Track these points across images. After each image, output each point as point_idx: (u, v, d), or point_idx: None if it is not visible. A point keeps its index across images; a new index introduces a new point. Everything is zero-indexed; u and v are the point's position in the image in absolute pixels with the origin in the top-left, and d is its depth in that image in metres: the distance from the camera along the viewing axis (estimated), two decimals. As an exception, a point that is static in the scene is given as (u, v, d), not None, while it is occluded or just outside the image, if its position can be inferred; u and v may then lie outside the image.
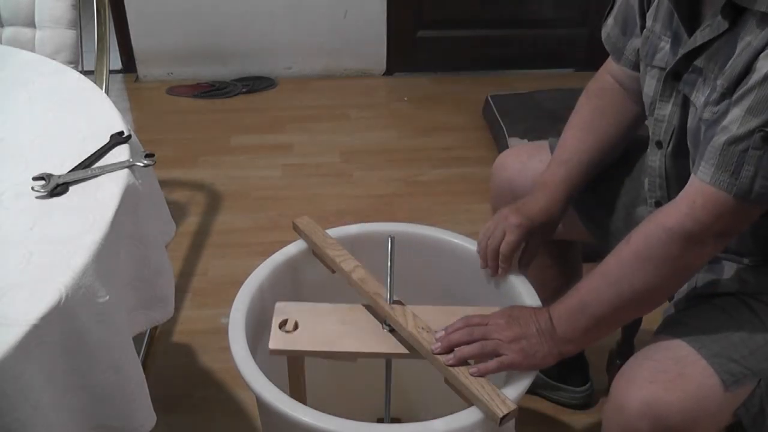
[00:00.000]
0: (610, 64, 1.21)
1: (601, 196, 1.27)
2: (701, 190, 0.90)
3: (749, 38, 0.87)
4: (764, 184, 0.86)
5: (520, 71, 3.08)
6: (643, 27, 1.10)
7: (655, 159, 1.09)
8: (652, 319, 1.15)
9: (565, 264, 1.42)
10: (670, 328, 1.02)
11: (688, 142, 1.02)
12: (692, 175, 0.92)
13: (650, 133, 1.09)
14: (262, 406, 1.01)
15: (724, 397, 0.94)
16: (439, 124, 2.66)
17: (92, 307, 0.82)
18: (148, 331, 1.74)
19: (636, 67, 1.14)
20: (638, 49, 1.11)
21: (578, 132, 1.20)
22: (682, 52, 0.97)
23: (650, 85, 1.06)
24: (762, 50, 0.85)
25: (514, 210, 1.15)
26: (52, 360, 0.78)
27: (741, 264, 1.07)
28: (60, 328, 0.78)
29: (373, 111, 2.88)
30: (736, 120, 0.86)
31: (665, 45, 1.03)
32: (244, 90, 2.99)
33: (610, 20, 1.17)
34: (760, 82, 0.84)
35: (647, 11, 1.08)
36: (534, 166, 1.28)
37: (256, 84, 3.02)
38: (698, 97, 0.97)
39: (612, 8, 1.16)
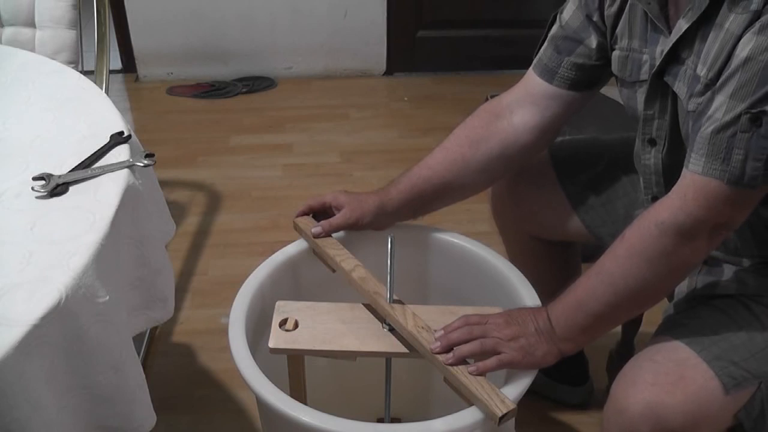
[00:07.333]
0: (529, 85, 1.17)
1: (601, 196, 1.27)
2: (693, 182, 0.89)
3: (724, 23, 0.87)
4: (756, 166, 0.86)
5: (520, 71, 3.05)
6: (599, 41, 1.09)
7: (648, 157, 1.08)
8: (652, 320, 1.15)
9: (565, 264, 1.42)
10: (670, 330, 1.02)
11: (682, 135, 1.01)
12: (684, 169, 0.91)
13: (640, 132, 1.08)
14: (262, 406, 1.01)
15: (725, 400, 0.94)
16: (439, 124, 2.66)
17: (92, 307, 0.82)
18: (148, 331, 1.74)
19: (574, 86, 1.13)
20: (578, 65, 1.11)
21: (449, 155, 1.19)
22: (670, 43, 0.96)
23: (641, 101, 1.05)
24: (741, 36, 0.85)
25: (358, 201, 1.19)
26: (52, 360, 0.78)
27: (740, 266, 1.07)
28: (60, 328, 0.78)
29: (373, 111, 2.88)
30: (721, 107, 0.86)
31: (648, 58, 1.02)
32: (244, 90, 2.99)
33: (543, 47, 1.15)
34: (740, 66, 0.85)
35: (606, 23, 1.08)
36: (532, 166, 1.29)
37: (256, 84, 3.02)
38: (681, 87, 0.97)
39: (545, 36, 1.16)
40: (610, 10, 1.06)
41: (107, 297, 0.84)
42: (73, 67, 1.56)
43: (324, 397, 1.16)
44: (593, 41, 1.10)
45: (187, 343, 1.76)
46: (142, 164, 1.03)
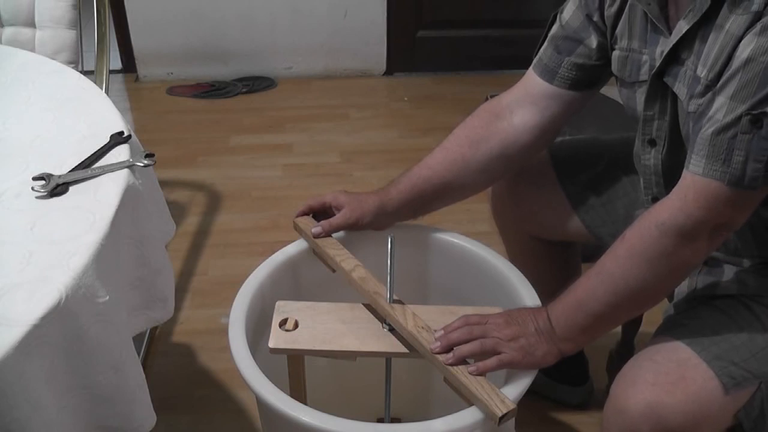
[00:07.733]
0: (529, 85, 1.17)
1: (601, 196, 1.27)
2: (693, 183, 0.89)
3: (725, 24, 0.87)
4: (756, 167, 0.86)
5: (520, 71, 3.05)
6: (599, 41, 1.09)
7: (648, 158, 1.08)
8: (652, 320, 1.15)
9: (565, 264, 1.42)
10: (670, 330, 1.02)
11: (683, 136, 1.01)
12: (684, 170, 0.91)
13: (639, 133, 1.08)
14: (262, 406, 1.01)
15: (725, 400, 0.94)
16: (439, 124, 2.66)
17: (92, 307, 0.82)
18: (148, 331, 1.74)
19: (574, 85, 1.13)
20: (578, 64, 1.11)
21: (449, 155, 1.19)
22: (670, 44, 0.96)
23: (640, 101, 1.05)
24: (741, 38, 0.85)
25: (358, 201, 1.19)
26: (52, 360, 0.78)
27: (741, 267, 1.07)
28: (60, 328, 0.78)
29: (373, 111, 2.88)
30: (721, 108, 0.86)
31: (647, 59, 1.03)
32: (244, 90, 2.99)
33: (543, 47, 1.15)
34: (741, 67, 0.85)
35: (606, 23, 1.08)
36: (532, 166, 1.29)
37: (256, 84, 3.02)
38: (681, 88, 0.97)
39: (546, 36, 1.16)
40: (610, 10, 1.06)
41: (107, 297, 0.84)
42: (73, 67, 1.56)
43: (324, 397, 1.16)
44: (593, 41, 1.10)
45: (187, 343, 1.76)
46: (142, 164, 1.03)
